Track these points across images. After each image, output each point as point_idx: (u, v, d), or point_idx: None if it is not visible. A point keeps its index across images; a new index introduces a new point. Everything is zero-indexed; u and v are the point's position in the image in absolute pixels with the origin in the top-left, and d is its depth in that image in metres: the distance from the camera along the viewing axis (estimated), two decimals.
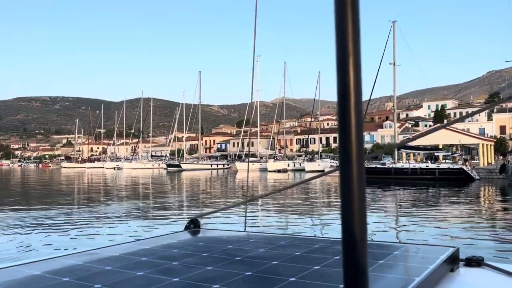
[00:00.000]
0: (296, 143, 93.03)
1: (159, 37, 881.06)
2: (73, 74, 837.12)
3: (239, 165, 63.62)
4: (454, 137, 42.73)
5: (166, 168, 71.52)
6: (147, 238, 1.88)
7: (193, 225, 2.09)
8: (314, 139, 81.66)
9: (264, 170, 59.22)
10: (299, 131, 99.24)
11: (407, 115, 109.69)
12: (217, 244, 1.70)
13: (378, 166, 40.20)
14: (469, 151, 58.69)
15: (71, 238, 10.89)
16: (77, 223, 13.27)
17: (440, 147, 45.51)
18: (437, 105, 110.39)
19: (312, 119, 79.63)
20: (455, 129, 43.42)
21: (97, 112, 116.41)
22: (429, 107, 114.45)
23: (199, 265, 1.36)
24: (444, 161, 40.12)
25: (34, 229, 12.13)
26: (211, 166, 73.15)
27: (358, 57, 0.49)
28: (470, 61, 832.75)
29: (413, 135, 44.03)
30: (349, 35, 0.49)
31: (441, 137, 42.55)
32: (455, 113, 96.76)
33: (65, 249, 8.87)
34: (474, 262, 1.42)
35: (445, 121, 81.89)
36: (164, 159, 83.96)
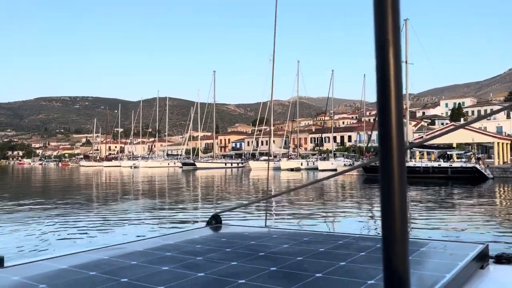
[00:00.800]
0: (311, 142, 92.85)
1: (176, 37, 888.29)
2: (92, 74, 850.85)
3: (252, 163, 63.93)
4: (468, 136, 42.27)
5: (181, 167, 72.39)
6: (170, 233, 1.93)
7: (215, 221, 2.12)
8: (329, 137, 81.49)
9: (277, 169, 59.47)
10: (313, 130, 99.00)
11: (423, 113, 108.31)
12: (240, 240, 1.73)
13: None
14: (486, 149, 57.81)
15: (92, 233, 11.01)
16: (98, 219, 13.53)
17: (454, 145, 45.07)
18: (454, 103, 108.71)
19: (327, 118, 79.43)
20: (469, 128, 42.92)
21: (116, 111, 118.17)
22: (446, 105, 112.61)
23: (223, 260, 1.36)
24: (459, 160, 39.77)
25: (58, 225, 12.34)
26: (225, 164, 73.65)
27: (398, 49, 0.47)
28: (491, 59, 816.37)
29: (428, 135, 43.64)
30: (388, 27, 0.47)
31: (455, 136, 42.12)
32: (472, 111, 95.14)
33: (89, 243, 9.22)
34: (504, 259, 1.38)
35: (462, 120, 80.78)
36: (179, 158, 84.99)
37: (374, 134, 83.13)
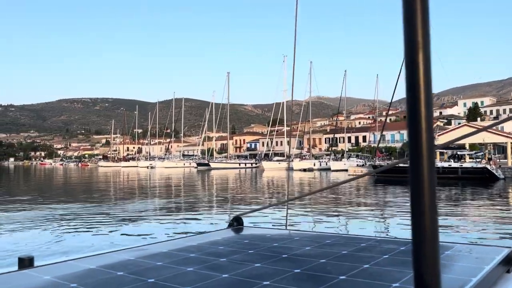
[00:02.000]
0: (325, 142, 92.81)
1: (193, 38, 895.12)
2: (112, 76, 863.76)
3: (265, 164, 64.35)
4: (479, 136, 41.85)
5: (196, 167, 73.42)
6: (193, 235, 2.00)
7: (236, 223, 2.15)
8: (343, 138, 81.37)
9: (290, 169, 59.84)
10: (328, 130, 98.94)
11: (440, 113, 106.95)
12: (262, 242, 1.75)
13: (400, 165, 40.05)
14: (503, 150, 56.99)
15: (114, 234, 11.15)
16: (118, 219, 13.69)
17: (466, 146, 44.68)
18: (473, 103, 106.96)
19: (342, 118, 79.30)
20: (480, 127, 42.49)
21: (135, 112, 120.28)
22: (464, 104, 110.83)
23: (246, 262, 1.38)
24: (474, 160, 39.47)
25: (79, 225, 12.52)
26: (239, 165, 74.28)
27: (428, 50, 0.47)
28: None
29: (440, 135, 43.37)
30: (418, 27, 0.46)
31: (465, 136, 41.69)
32: (491, 111, 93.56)
33: (112, 244, 9.36)
34: None
35: (478, 120, 79.57)
36: (194, 158, 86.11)
37: (389, 135, 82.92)
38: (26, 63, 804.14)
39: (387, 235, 11.17)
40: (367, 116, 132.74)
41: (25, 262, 1.39)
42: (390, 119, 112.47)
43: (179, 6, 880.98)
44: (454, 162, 38.29)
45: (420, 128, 0.47)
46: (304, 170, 58.26)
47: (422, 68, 0.47)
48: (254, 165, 74.40)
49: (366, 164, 50.15)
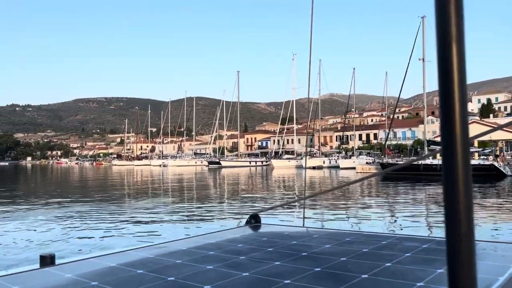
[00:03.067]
0: (336, 140, 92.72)
1: (206, 37, 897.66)
2: (126, 76, 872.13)
3: (275, 162, 64.65)
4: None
5: (208, 165, 74.16)
6: (211, 232, 1.98)
7: (254, 220, 2.15)
8: (354, 135, 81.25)
9: (300, 167, 60.06)
10: (339, 128, 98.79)
11: None
12: (281, 239, 1.74)
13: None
14: None
15: (129, 231, 11.17)
16: (133, 217, 13.77)
17: (475, 143, 44.42)
18: (488, 99, 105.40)
19: (355, 116, 79.11)
20: (487, 124, 42.28)
21: (149, 111, 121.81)
22: (479, 101, 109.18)
23: (266, 260, 1.38)
24: (480, 157, 39.27)
25: (97, 222, 12.59)
26: (250, 163, 74.75)
27: (462, 42, 0.45)
28: None
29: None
30: (451, 18, 0.44)
31: (474, 133, 41.40)
32: (505, 107, 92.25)
33: (129, 241, 9.48)
34: None
35: (491, 116, 78.59)
36: (206, 157, 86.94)
37: (400, 132, 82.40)
38: (43, 64, 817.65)
39: (407, 232, 10.75)
40: (379, 114, 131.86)
41: (47, 260, 1.41)
42: (403, 116, 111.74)
43: (191, 6, 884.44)
44: None
45: (454, 124, 0.45)
46: (314, 167, 58.43)
47: (455, 63, 0.45)
48: (264, 163, 74.88)
49: (374, 161, 50.13)
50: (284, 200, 19.58)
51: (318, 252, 1.48)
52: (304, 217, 3.13)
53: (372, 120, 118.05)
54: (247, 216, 2.19)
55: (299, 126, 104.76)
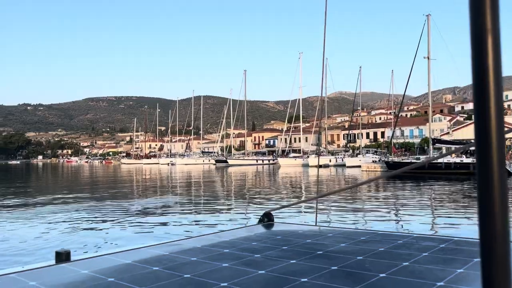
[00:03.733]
0: (343, 138, 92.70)
1: (216, 36, 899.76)
2: (136, 75, 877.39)
3: (281, 160, 64.89)
4: None
5: (215, 164, 74.70)
6: (224, 230, 2.00)
7: (267, 219, 2.15)
8: (362, 134, 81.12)
9: (306, 165, 60.26)
10: (346, 126, 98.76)
11: (462, 107, 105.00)
12: (295, 238, 1.74)
13: (413, 161, 40.10)
14: None
15: (141, 229, 11.16)
16: (143, 214, 13.80)
17: None
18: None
19: (363, 114, 78.96)
20: None
21: (159, 110, 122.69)
22: None
23: (281, 258, 1.37)
24: None
25: (107, 220, 12.65)
26: (257, 161, 75.12)
27: (497, 34, 0.42)
28: None
29: (455, 130, 43.16)
30: (486, 9, 0.42)
31: None
32: None
33: (142, 238, 9.67)
34: None
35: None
36: (213, 155, 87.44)
37: (408, 130, 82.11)
38: (54, 64, 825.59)
39: (422, 232, 10.50)
40: (388, 112, 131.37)
41: (62, 256, 1.42)
42: (411, 114, 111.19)
43: (199, 7, 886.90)
44: (466, 157, 38.11)
45: (489, 121, 0.43)
46: (320, 166, 58.59)
47: (491, 56, 0.42)
48: (271, 161, 75.23)
49: (380, 160, 50.18)
50: (291, 198, 19.55)
51: (333, 251, 1.48)
52: (316, 216, 3.23)
53: (380, 118, 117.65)
54: (258, 215, 2.21)
55: (307, 124, 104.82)
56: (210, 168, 64.89)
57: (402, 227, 11.52)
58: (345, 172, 44.84)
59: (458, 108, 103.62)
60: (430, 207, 15.89)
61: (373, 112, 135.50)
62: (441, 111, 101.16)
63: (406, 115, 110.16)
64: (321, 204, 15.67)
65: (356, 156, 62.24)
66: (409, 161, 39.67)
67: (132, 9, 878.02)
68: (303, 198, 19.41)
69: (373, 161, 52.71)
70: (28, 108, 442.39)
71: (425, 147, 54.84)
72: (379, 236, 1.75)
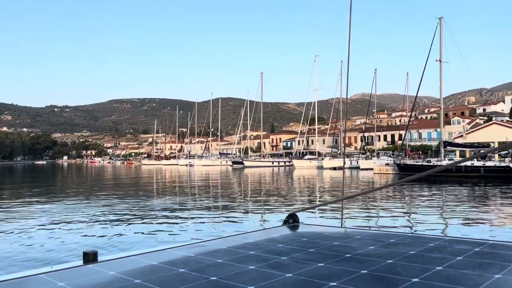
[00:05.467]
0: (361, 141, 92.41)
1: (234, 38, 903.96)
2: (159, 77, 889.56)
3: (296, 162, 65.34)
4: (507, 134, 40.94)
5: (232, 165, 75.76)
6: (249, 232, 1.96)
7: (292, 220, 2.11)
8: (379, 136, 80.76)
9: (321, 168, 60.63)
10: (363, 129, 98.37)
11: (484, 110, 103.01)
12: (322, 240, 1.70)
13: (423, 163, 40.07)
14: None
15: (163, 230, 11.15)
16: (162, 215, 13.86)
17: (496, 144, 43.81)
18: None
19: (383, 116, 78.62)
20: (506, 125, 41.62)
21: (181, 112, 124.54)
22: None
23: (309, 261, 1.35)
24: (503, 158, 38.86)
25: (133, 221, 12.62)
26: (272, 163, 75.77)
27: None
28: None
29: (468, 133, 42.85)
30: None
31: (493, 134, 40.98)
32: None
33: (165, 239, 9.70)
34: None
35: None
36: (230, 157, 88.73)
37: (426, 133, 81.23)
38: (80, 66, 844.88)
39: (455, 234, 10.12)
40: (408, 114, 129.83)
41: (90, 257, 1.42)
42: (431, 116, 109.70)
43: (216, 11, 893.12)
44: (478, 160, 37.87)
45: None
46: (334, 168, 58.88)
47: None
48: (287, 163, 75.69)
49: (394, 162, 50.18)
50: (310, 200, 19.40)
51: (362, 254, 1.44)
52: (342, 218, 3.20)
53: (400, 121, 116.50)
54: (279, 216, 2.50)
55: (326, 126, 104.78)
56: (227, 169, 65.82)
57: (432, 229, 11.09)
58: (359, 175, 44.99)
59: (479, 110, 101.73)
60: (455, 210, 15.46)
61: (393, 114, 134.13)
62: (462, 114, 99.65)
63: (426, 117, 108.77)
64: (335, 205, 15.58)
65: (371, 158, 62.20)
66: (420, 164, 39.62)
67: (154, 12, 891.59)
68: (319, 201, 18.88)
69: (386, 164, 52.72)
70: (55, 109, 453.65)
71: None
72: (408, 238, 1.70)
